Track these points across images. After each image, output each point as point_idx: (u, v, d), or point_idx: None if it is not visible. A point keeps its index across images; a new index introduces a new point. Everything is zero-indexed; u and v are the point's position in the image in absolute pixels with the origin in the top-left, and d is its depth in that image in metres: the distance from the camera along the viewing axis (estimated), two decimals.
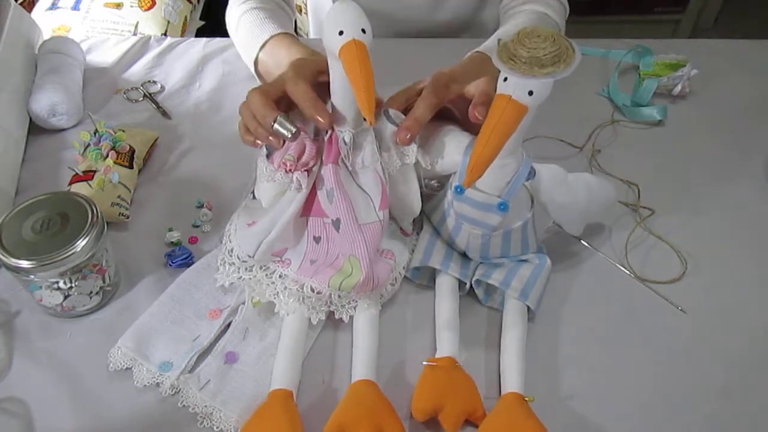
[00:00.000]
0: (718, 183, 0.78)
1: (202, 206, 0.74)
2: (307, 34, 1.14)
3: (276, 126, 0.57)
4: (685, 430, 0.56)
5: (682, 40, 1.70)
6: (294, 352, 0.58)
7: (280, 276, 0.62)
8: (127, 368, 0.59)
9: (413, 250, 0.67)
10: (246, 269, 0.62)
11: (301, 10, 1.14)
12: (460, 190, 0.60)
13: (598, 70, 0.96)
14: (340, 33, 0.52)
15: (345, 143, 0.59)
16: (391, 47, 0.99)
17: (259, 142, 0.61)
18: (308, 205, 0.62)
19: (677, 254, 0.69)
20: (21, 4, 1.29)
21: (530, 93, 0.49)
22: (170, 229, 0.71)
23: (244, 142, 0.62)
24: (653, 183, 0.76)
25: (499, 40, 0.51)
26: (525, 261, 0.64)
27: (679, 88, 0.88)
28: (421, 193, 0.65)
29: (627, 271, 0.68)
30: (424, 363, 0.57)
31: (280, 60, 0.73)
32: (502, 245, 0.62)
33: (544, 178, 0.60)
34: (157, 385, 0.58)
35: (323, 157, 0.60)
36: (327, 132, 0.59)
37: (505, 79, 0.50)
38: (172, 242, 0.70)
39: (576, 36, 0.91)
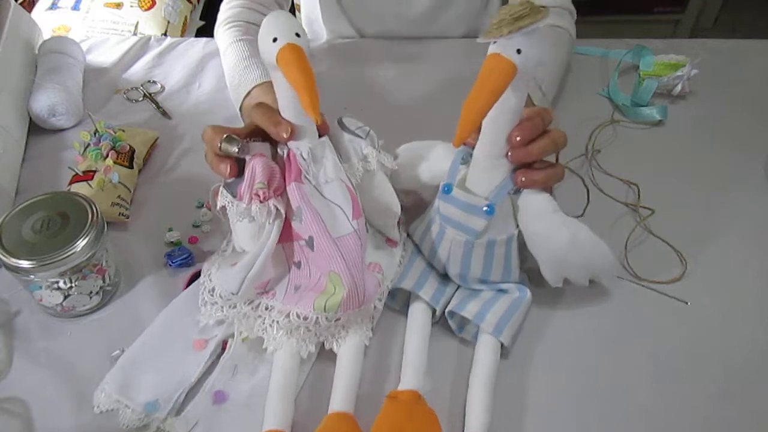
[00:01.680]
0: (717, 183, 0.78)
1: (202, 206, 0.74)
2: None
3: (223, 145, 0.56)
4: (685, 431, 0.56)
5: (682, 40, 1.69)
6: (285, 388, 0.56)
7: (266, 308, 0.59)
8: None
9: (401, 263, 0.65)
10: (230, 306, 0.59)
11: (300, 10, 1.14)
12: (447, 189, 0.59)
13: (598, 70, 0.96)
14: (274, 40, 0.52)
15: (304, 159, 0.57)
16: (392, 48, 1.00)
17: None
18: (284, 232, 0.59)
19: (677, 254, 0.69)
20: (21, 4, 1.29)
21: (518, 51, 0.50)
22: (170, 229, 0.71)
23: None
24: (653, 183, 0.76)
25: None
26: (504, 292, 0.61)
27: (679, 88, 0.88)
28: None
29: (627, 271, 0.67)
30: (386, 396, 0.54)
31: None
32: (484, 260, 0.60)
33: (526, 199, 0.58)
34: (145, 427, 0.55)
35: (285, 177, 0.57)
36: (285, 152, 0.57)
37: (494, 43, 0.51)
38: (172, 242, 0.70)
39: (576, 36, 0.92)
